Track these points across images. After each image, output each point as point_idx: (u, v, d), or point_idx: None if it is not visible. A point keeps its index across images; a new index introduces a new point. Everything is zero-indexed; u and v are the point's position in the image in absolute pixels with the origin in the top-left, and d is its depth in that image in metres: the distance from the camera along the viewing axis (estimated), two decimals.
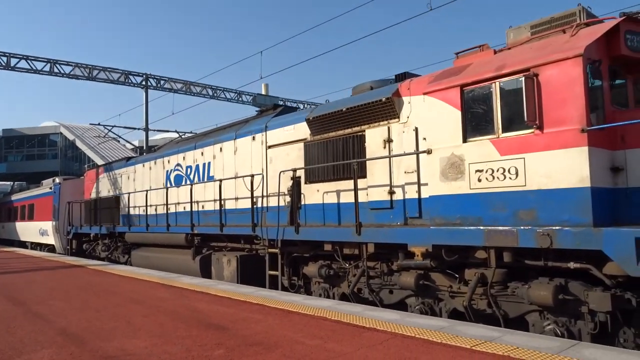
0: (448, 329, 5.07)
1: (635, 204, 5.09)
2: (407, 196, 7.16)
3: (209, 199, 11.58)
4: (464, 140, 5.95)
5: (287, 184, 9.33)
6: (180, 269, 11.67)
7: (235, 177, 10.73)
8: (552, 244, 4.97)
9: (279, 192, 9.54)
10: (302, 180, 9.09)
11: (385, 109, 7.56)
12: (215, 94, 31.23)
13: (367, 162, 7.81)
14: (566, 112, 5.10)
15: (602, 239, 4.66)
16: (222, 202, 10.63)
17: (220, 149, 11.56)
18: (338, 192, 8.34)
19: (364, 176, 7.88)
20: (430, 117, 6.68)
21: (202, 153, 12.28)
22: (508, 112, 5.55)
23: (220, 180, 10.64)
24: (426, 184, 6.63)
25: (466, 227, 5.76)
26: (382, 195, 7.59)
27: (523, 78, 5.30)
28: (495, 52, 6.46)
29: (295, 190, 9.08)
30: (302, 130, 9.26)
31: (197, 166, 12.40)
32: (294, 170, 8.66)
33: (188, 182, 12.56)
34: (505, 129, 5.57)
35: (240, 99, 32.23)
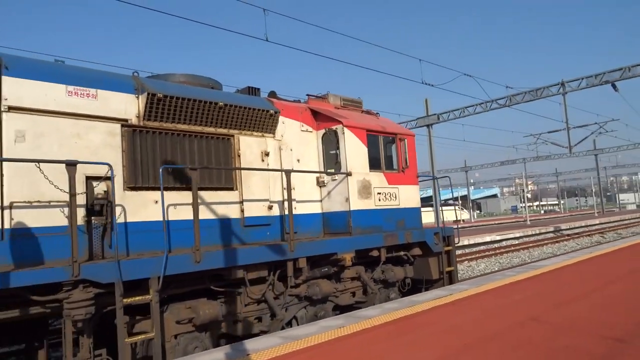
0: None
1: None
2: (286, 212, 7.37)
3: None
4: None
5: (79, 187, 5.38)
6: None
7: None
8: (410, 239, 8.45)
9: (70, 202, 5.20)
10: (120, 183, 5.72)
11: (269, 122, 7.25)
12: None
13: (243, 173, 6.89)
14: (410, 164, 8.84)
15: (426, 234, 8.80)
16: None
17: None
18: (203, 206, 6.32)
19: (232, 188, 6.83)
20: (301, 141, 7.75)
21: None
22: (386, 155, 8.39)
23: None
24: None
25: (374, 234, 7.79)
26: (260, 210, 7.05)
27: (392, 138, 8.51)
28: (338, 106, 8.69)
29: (106, 201, 5.54)
30: (117, 103, 5.82)
31: None
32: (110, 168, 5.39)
33: None
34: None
35: None
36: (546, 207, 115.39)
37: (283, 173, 7.10)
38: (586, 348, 4.15)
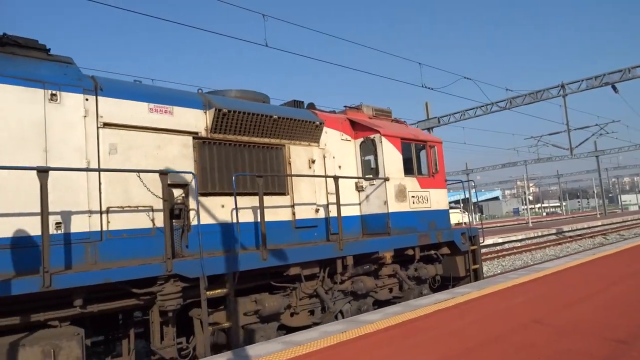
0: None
1: None
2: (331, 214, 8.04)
3: None
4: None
5: (157, 193, 6.08)
6: None
7: None
8: (441, 239, 9.12)
9: (154, 208, 5.91)
10: (191, 190, 6.40)
11: (315, 132, 7.94)
12: None
13: (293, 179, 7.58)
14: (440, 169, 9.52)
15: (454, 234, 9.47)
16: (64, 219, 4.41)
17: None
18: (254, 209, 7.02)
19: (285, 193, 7.52)
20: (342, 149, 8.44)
21: None
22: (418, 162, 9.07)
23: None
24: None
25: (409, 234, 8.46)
26: (309, 213, 7.74)
27: (423, 145, 9.19)
28: (371, 116, 9.38)
29: (184, 205, 6.23)
30: (189, 118, 6.52)
31: None
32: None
33: None
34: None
35: None
36: (548, 209, 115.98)
37: (330, 179, 7.82)
38: (589, 351, 4.15)
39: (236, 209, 6.31)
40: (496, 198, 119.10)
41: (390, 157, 8.51)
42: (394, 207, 8.38)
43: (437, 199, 9.39)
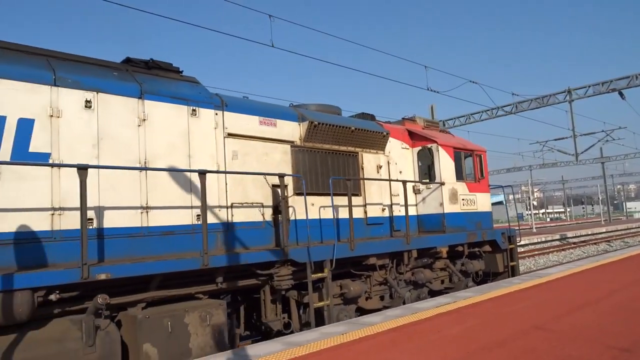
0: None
1: None
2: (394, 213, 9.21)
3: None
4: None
5: (266, 192, 7.26)
6: None
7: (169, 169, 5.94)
8: (485, 237, 10.27)
9: (264, 204, 7.10)
10: (290, 190, 7.57)
11: (381, 142, 9.12)
12: None
13: (365, 182, 8.74)
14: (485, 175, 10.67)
15: (495, 234, 10.62)
16: (204, 212, 5.59)
17: (88, 102, 5.55)
18: (336, 208, 8.17)
19: (358, 194, 8.68)
20: (402, 156, 9.60)
21: None
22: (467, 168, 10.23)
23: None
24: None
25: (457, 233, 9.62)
26: (377, 212, 8.91)
27: (470, 153, 10.35)
28: (422, 127, 10.55)
29: (284, 203, 7.41)
30: (288, 129, 7.70)
31: None
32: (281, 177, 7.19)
33: None
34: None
35: None
36: (552, 215, 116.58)
37: (395, 183, 9.00)
38: (591, 358, 4.09)
39: (333, 206, 7.51)
40: (500, 202, 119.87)
41: (445, 164, 9.68)
42: (448, 208, 9.54)
43: (482, 201, 10.55)
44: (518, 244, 11.38)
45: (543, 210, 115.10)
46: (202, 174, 5.75)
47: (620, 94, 21.42)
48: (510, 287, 8.09)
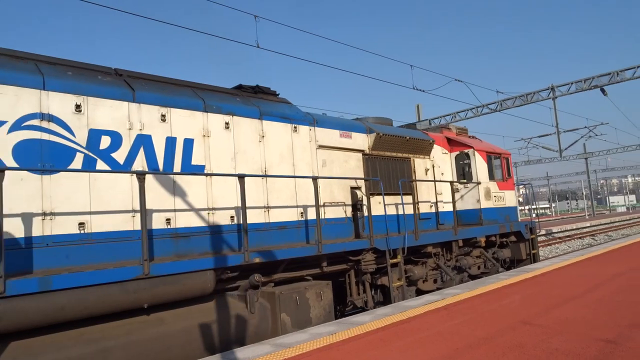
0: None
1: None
2: (439, 209, 10.77)
3: (225, 205, 6.56)
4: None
5: (346, 193, 8.75)
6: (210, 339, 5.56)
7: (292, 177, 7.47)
8: (513, 229, 11.89)
9: (345, 203, 8.60)
10: (364, 191, 9.06)
11: (428, 148, 10.67)
12: None
13: (417, 183, 10.28)
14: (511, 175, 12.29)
15: (520, 226, 12.25)
16: (305, 210, 7.16)
17: (227, 124, 6.97)
18: (396, 205, 9.70)
19: (411, 194, 10.21)
20: (443, 160, 11.15)
21: (162, 116, 6.28)
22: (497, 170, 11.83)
23: (311, 179, 7.18)
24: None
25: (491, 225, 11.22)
26: (426, 208, 10.45)
27: (498, 156, 11.97)
28: (456, 134, 12.13)
29: (359, 202, 8.91)
30: (360, 140, 9.19)
31: (147, 140, 6.09)
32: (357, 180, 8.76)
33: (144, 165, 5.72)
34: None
35: None
36: (537, 211, 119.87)
37: (441, 183, 10.55)
38: (576, 351, 4.17)
39: (402, 204, 9.03)
40: None
41: (480, 166, 11.27)
42: (484, 204, 11.14)
43: (509, 198, 12.17)
44: (538, 234, 13.02)
45: (528, 206, 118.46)
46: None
47: (602, 91, 21.87)
48: (498, 282, 8.20)
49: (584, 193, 77.10)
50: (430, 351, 4.43)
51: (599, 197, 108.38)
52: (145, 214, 5.22)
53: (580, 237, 28.33)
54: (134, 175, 5.70)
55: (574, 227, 34.65)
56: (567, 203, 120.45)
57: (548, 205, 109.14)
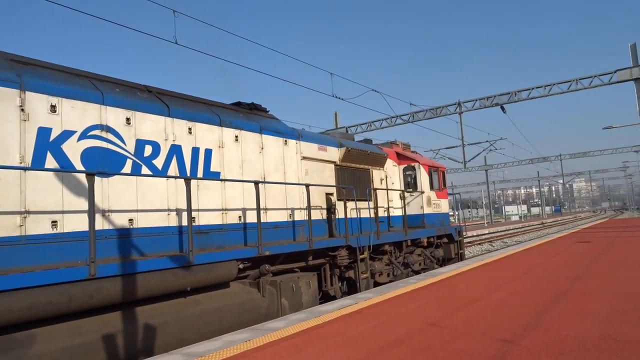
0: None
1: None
2: (392, 214, 12.60)
3: (233, 205, 7.68)
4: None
5: (323, 198, 10.23)
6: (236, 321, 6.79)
7: (285, 183, 8.78)
8: (447, 232, 14.07)
9: (322, 207, 10.03)
10: (335, 197, 10.58)
11: (383, 161, 12.46)
12: None
13: (374, 190, 12.01)
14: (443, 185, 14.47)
15: (451, 229, 14.49)
16: (292, 212, 8.40)
17: (236, 137, 8.11)
18: (358, 209, 11.32)
19: (369, 200, 11.93)
20: (393, 172, 13.04)
21: (189, 129, 7.30)
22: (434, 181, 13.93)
23: (307, 185, 8.72)
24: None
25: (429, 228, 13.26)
26: (381, 213, 12.22)
27: (436, 169, 14.13)
28: (402, 148, 14.09)
29: (333, 206, 10.44)
30: (332, 153, 10.70)
31: (178, 149, 7.08)
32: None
33: (173, 170, 6.73)
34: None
35: None
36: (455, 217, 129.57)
37: (392, 192, 12.38)
38: (478, 350, 4.40)
39: (369, 208, 10.63)
40: None
41: (423, 177, 13.32)
42: (427, 210, 13.20)
43: (444, 205, 14.38)
44: (465, 237, 15.41)
45: (457, 213, 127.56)
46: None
47: (502, 108, 23.68)
48: (408, 287, 8.47)
49: (484, 202, 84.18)
50: (343, 355, 4.49)
51: (496, 206, 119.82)
52: (190, 213, 6.28)
53: (480, 243, 29.78)
54: (169, 179, 6.72)
55: (475, 234, 36.69)
56: (469, 211, 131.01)
57: (452, 213, 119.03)
